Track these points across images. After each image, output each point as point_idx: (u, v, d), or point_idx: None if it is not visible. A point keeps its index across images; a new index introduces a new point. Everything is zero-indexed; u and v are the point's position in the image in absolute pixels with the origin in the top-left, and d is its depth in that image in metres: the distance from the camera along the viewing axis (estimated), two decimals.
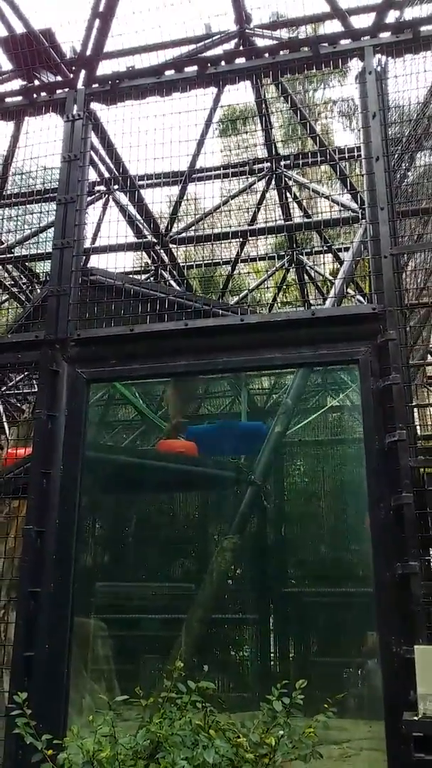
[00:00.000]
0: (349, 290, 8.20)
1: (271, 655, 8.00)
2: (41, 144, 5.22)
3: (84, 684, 5.41)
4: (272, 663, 7.92)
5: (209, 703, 3.40)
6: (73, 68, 5.75)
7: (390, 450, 3.94)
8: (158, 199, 9.59)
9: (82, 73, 5.44)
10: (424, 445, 5.05)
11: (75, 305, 4.77)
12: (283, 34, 6.07)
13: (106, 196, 7.62)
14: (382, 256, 4.37)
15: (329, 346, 4.38)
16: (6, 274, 8.93)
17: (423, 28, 4.91)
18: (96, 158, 6.82)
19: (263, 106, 6.29)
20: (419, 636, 3.51)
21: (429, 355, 9.07)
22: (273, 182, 8.08)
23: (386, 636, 3.70)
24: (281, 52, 5.13)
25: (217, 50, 5.70)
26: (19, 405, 9.78)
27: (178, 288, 7.48)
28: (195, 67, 5.12)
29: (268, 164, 7.92)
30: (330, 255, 9.35)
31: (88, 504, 4.81)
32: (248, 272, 10.59)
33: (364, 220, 5.18)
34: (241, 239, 8.50)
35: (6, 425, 9.17)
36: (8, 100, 5.70)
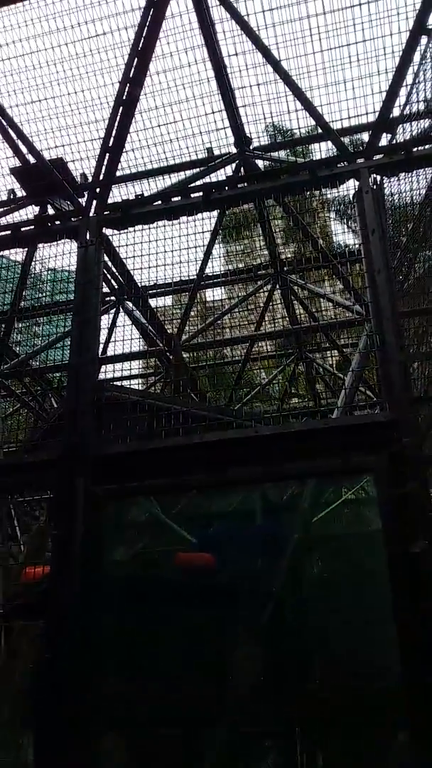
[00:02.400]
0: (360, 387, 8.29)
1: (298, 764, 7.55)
2: (57, 271, 5.47)
3: None
4: None
5: None
6: (85, 193, 6.12)
7: (412, 561, 3.87)
8: (168, 303, 9.95)
9: (94, 201, 5.75)
10: None
11: (91, 423, 4.82)
12: (281, 153, 6.51)
13: (117, 306, 7.87)
14: (390, 365, 4.44)
15: (343, 455, 4.38)
16: (21, 385, 9.10)
17: (415, 149, 5.22)
18: (108, 275, 7.12)
19: (266, 225, 6.59)
20: None
21: None
22: (278, 285, 8.36)
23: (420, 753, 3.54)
24: (281, 176, 5.41)
25: (220, 173, 6.12)
26: (32, 510, 9.65)
27: (191, 393, 7.60)
28: (200, 193, 5.40)
29: (272, 269, 8.21)
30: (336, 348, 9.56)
31: (105, 622, 4.69)
32: (258, 368, 10.79)
33: (368, 325, 5.30)
34: (248, 342, 8.72)
35: (18, 532, 9.03)
36: (23, 228, 6.01)
